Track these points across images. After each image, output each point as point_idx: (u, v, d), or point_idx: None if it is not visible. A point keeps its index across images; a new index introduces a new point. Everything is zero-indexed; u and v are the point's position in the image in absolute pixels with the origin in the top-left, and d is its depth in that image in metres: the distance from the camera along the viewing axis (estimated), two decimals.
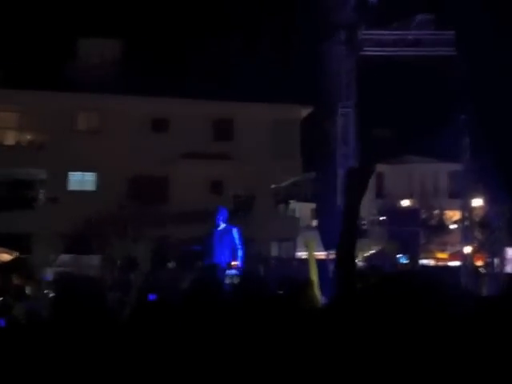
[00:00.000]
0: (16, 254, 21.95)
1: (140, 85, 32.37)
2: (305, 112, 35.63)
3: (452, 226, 42.46)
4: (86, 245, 29.02)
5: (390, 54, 20.71)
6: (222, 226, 12.00)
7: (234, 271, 23.47)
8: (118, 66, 35.54)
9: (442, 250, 40.08)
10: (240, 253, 12.03)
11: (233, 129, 35.46)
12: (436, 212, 45.87)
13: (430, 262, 36.37)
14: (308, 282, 6.33)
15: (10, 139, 34.48)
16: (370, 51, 20.42)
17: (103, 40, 35.62)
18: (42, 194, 33.62)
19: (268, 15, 36.24)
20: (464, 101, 19.68)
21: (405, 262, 31.35)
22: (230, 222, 33.49)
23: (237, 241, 11.85)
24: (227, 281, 20.88)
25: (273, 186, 37.38)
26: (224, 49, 35.80)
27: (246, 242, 33.66)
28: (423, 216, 43.19)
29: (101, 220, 30.49)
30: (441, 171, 48.97)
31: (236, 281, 21.25)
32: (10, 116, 33.93)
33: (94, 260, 26.31)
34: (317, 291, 6.41)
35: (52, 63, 32.93)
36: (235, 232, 11.96)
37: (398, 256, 29.68)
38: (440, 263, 36.58)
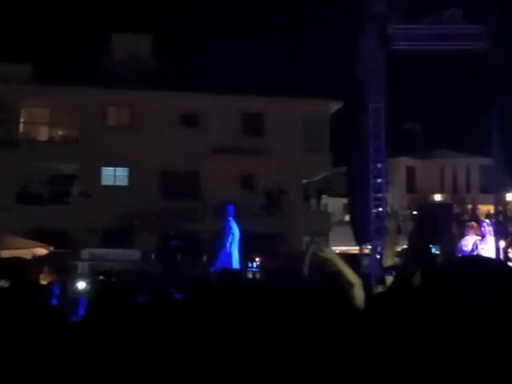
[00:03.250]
0: (51, 249, 22.23)
1: (171, 80, 32.57)
2: (335, 107, 35.57)
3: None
4: (119, 239, 29.40)
5: (421, 48, 20.55)
6: (231, 221, 11.82)
7: (254, 267, 23.45)
8: (149, 61, 35.80)
9: None
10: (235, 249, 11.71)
11: (263, 124, 35.53)
12: (469, 206, 45.53)
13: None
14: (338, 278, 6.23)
15: (44, 135, 34.94)
16: (401, 45, 20.28)
17: (135, 35, 35.89)
18: (75, 189, 34.03)
19: (299, 10, 36.24)
20: (496, 95, 19.50)
21: (437, 252, 31.18)
22: (262, 215, 33.60)
23: (234, 238, 11.58)
24: (249, 275, 20.93)
25: (304, 181, 37.41)
26: (255, 44, 35.86)
27: (277, 235, 33.78)
28: (456, 210, 42.81)
29: (134, 214, 30.86)
30: (472, 165, 48.59)
31: (257, 276, 21.28)
32: (42, 112, 34.33)
33: (129, 254, 26.60)
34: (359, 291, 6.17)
35: (84, 58, 33.27)
36: (236, 229, 11.72)
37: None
38: None
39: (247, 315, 2.95)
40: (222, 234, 11.56)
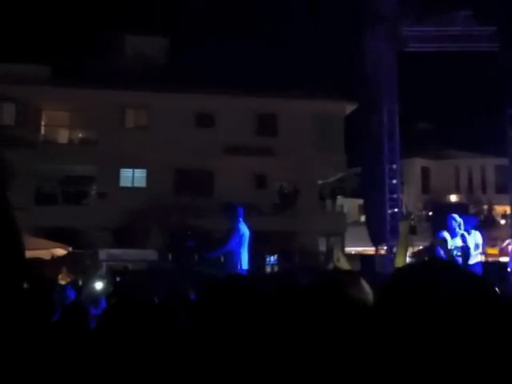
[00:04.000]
0: (70, 249, 22.52)
1: (185, 81, 32.80)
2: (349, 108, 35.65)
3: (502, 221, 42.03)
4: (135, 239, 29.65)
5: (433, 49, 20.68)
6: (240, 222, 11.89)
7: (272, 260, 23.82)
8: (164, 62, 36.05)
9: (492, 246, 39.67)
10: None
11: (277, 124, 35.67)
12: (485, 207, 45.39)
13: (482, 258, 36.06)
14: (352, 276, 6.22)
15: (63, 137, 35.29)
16: (413, 47, 20.40)
17: (149, 37, 36.22)
18: (93, 190, 34.38)
19: (312, 11, 36.38)
20: (509, 95, 19.58)
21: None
22: (276, 214, 33.60)
23: (243, 239, 11.65)
24: (268, 269, 21.18)
25: (320, 181, 37.48)
26: (268, 44, 35.96)
27: (292, 235, 33.96)
28: (471, 211, 42.67)
29: (148, 214, 31.12)
30: (487, 165, 48.35)
31: (276, 269, 21.59)
32: (61, 114, 34.64)
33: (146, 254, 26.80)
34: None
35: (100, 60, 33.58)
36: (245, 230, 11.78)
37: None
38: (490, 259, 36.26)
39: (250, 315, 2.95)
40: (230, 233, 11.69)
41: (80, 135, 35.18)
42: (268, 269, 22.24)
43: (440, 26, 19.82)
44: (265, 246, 28.82)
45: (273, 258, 24.82)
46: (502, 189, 37.73)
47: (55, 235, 25.08)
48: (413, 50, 20.69)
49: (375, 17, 20.68)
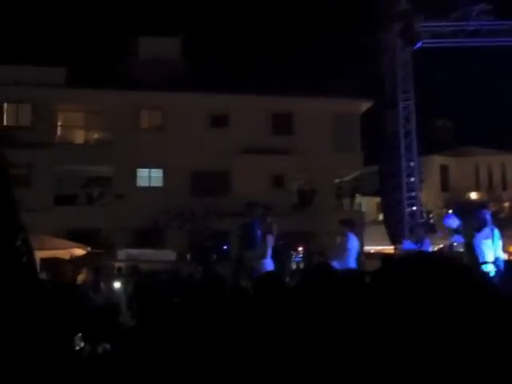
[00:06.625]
0: (88, 249, 22.65)
1: (200, 81, 32.85)
2: (365, 106, 35.47)
3: None
4: (153, 239, 29.74)
5: (450, 45, 20.48)
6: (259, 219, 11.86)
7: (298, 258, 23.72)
8: (178, 63, 36.09)
9: None
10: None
11: (292, 123, 35.56)
12: (505, 204, 45.07)
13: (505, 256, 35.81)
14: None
15: (79, 138, 35.45)
16: (429, 43, 20.23)
17: (163, 38, 36.29)
18: (110, 191, 34.47)
19: (326, 10, 36.24)
20: None
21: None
22: (294, 214, 33.63)
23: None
24: (294, 266, 21.06)
25: (337, 180, 37.34)
26: (283, 44, 35.89)
27: (309, 235, 33.87)
28: (492, 209, 42.18)
29: (166, 214, 31.17)
30: (508, 162, 47.99)
31: (301, 266, 21.49)
32: (77, 115, 34.82)
33: (165, 254, 26.81)
34: None
35: (114, 62, 33.74)
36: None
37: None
38: None
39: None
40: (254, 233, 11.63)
41: (96, 136, 35.32)
42: (294, 266, 22.19)
43: (456, 21, 19.62)
44: (283, 246, 28.71)
45: (297, 255, 24.73)
46: None
47: (74, 235, 25.22)
48: (428, 45, 20.53)
49: (390, 14, 20.58)
